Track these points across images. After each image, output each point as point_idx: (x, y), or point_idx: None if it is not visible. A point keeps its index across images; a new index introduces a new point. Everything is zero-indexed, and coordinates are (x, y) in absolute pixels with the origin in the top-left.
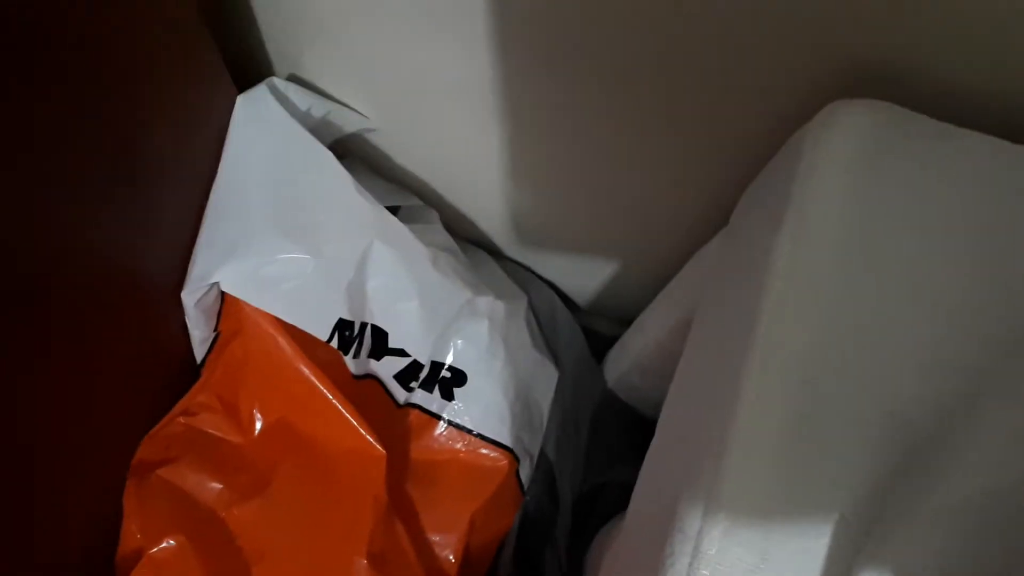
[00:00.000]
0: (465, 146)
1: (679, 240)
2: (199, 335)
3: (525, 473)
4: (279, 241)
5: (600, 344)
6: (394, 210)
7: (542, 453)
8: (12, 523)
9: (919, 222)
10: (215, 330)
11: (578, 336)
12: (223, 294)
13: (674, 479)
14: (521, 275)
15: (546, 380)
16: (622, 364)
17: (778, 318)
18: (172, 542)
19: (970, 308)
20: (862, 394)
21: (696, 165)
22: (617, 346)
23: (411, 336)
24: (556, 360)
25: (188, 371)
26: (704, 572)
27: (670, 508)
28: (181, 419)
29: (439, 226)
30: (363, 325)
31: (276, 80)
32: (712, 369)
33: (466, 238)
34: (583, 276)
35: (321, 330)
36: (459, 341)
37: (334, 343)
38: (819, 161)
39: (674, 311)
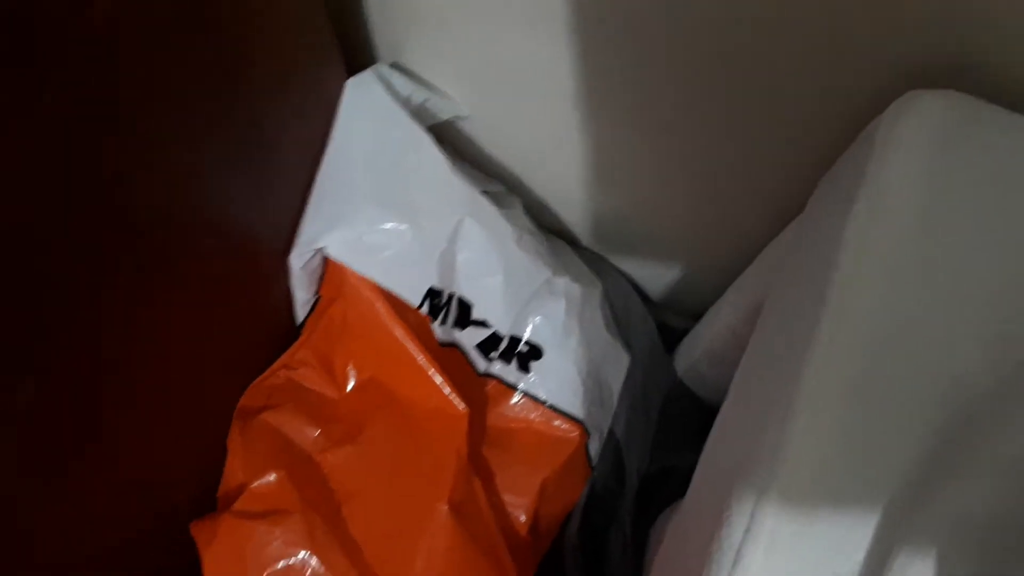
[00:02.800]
0: (551, 138)
1: (755, 236)
2: (302, 296)
3: (594, 448)
4: (382, 213)
5: (671, 337)
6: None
7: (611, 432)
8: (132, 462)
9: (990, 207)
10: (316, 293)
11: (650, 325)
12: (325, 261)
13: (735, 452)
14: (598, 264)
15: (617, 363)
16: (693, 353)
17: (848, 290)
18: (272, 477)
19: None
20: (926, 363)
21: (775, 159)
22: (689, 336)
23: (494, 309)
24: (628, 346)
25: (289, 330)
26: (761, 537)
27: (730, 477)
28: (282, 372)
29: (521, 212)
30: (450, 295)
31: (381, 67)
32: (781, 342)
33: (547, 227)
34: (658, 269)
35: (414, 296)
36: (537, 318)
37: (424, 309)
38: (893, 144)
39: (748, 296)
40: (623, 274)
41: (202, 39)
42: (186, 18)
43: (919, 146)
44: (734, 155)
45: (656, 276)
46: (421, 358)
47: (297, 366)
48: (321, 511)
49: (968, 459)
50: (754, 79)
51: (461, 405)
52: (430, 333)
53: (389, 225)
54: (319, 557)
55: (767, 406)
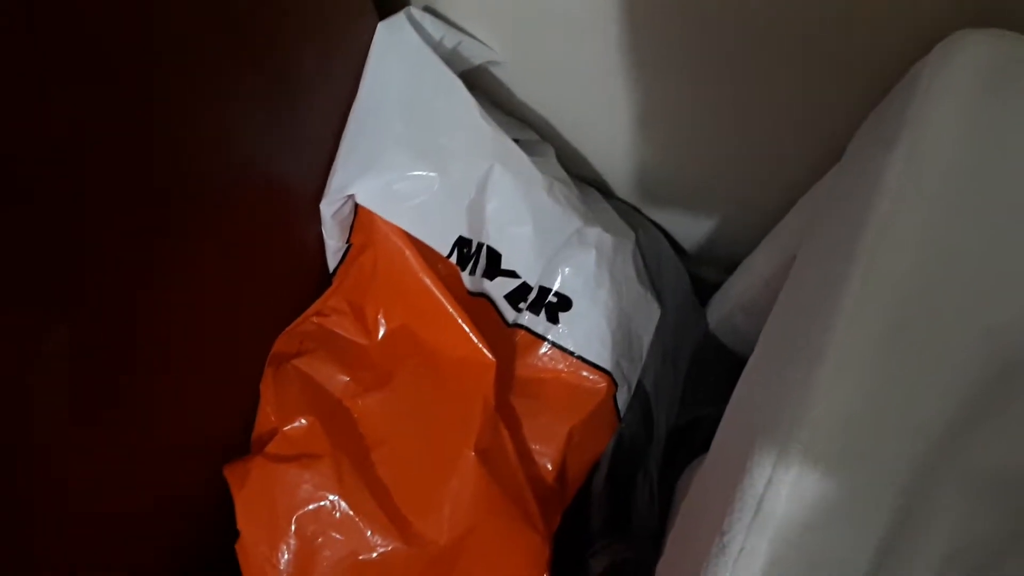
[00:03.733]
0: (587, 86)
1: (792, 185)
2: (333, 244)
3: (623, 399)
4: (411, 159)
5: (704, 290)
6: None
7: (640, 384)
8: (168, 409)
9: None
10: (347, 242)
11: (683, 277)
12: (357, 208)
13: (762, 403)
14: (631, 215)
15: (648, 315)
16: (726, 305)
17: (883, 234)
18: (304, 421)
19: None
20: (961, 310)
21: (814, 102)
22: (722, 289)
23: (523, 259)
24: (659, 298)
25: (321, 278)
26: (782, 489)
27: (755, 428)
28: (314, 319)
29: (554, 161)
30: (479, 245)
31: (413, 10)
32: (813, 292)
33: (580, 176)
34: (692, 222)
35: (443, 245)
36: (567, 268)
37: (453, 258)
38: (937, 87)
39: (783, 246)
40: (657, 226)
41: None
42: None
43: (963, 89)
44: (772, 99)
45: (691, 229)
46: (450, 307)
47: (329, 313)
48: (350, 455)
49: (1000, 413)
50: (792, 16)
51: (489, 355)
52: (459, 282)
53: (418, 172)
54: (347, 501)
55: (795, 357)
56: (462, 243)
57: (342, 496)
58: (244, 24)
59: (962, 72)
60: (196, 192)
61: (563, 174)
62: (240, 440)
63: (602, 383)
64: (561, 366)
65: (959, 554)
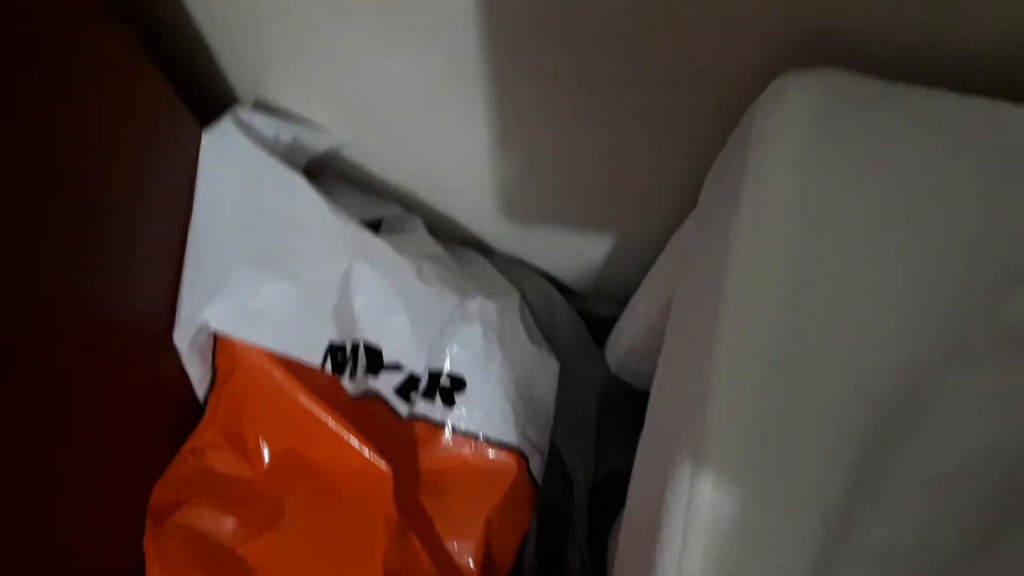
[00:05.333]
0: (440, 147)
1: (661, 218)
2: (197, 374)
3: (536, 468)
4: (260, 273)
5: (601, 327)
6: (376, 222)
7: (552, 445)
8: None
9: (874, 186)
10: (213, 367)
11: (576, 323)
12: (215, 332)
13: (661, 469)
14: (513, 268)
15: (547, 372)
16: (620, 349)
17: (742, 302)
18: None
19: (931, 271)
20: (833, 370)
21: (666, 144)
22: (613, 333)
23: (404, 349)
24: (555, 350)
25: (192, 410)
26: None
27: (660, 492)
28: (190, 459)
29: (423, 232)
30: (355, 345)
31: (240, 110)
32: (688, 353)
33: (454, 238)
34: (575, 261)
35: (314, 355)
36: (454, 346)
37: (327, 368)
38: (769, 136)
39: (660, 292)
40: (542, 273)
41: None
42: None
43: (794, 135)
44: (628, 143)
45: (576, 269)
46: (332, 423)
47: (205, 449)
48: None
49: (886, 481)
50: (637, 67)
51: (383, 464)
52: (340, 390)
53: (271, 286)
54: None
55: (679, 423)
56: (334, 350)
57: None
58: (51, 165)
59: (791, 116)
60: (38, 345)
61: (433, 247)
62: None
63: (511, 461)
64: (466, 451)
65: None
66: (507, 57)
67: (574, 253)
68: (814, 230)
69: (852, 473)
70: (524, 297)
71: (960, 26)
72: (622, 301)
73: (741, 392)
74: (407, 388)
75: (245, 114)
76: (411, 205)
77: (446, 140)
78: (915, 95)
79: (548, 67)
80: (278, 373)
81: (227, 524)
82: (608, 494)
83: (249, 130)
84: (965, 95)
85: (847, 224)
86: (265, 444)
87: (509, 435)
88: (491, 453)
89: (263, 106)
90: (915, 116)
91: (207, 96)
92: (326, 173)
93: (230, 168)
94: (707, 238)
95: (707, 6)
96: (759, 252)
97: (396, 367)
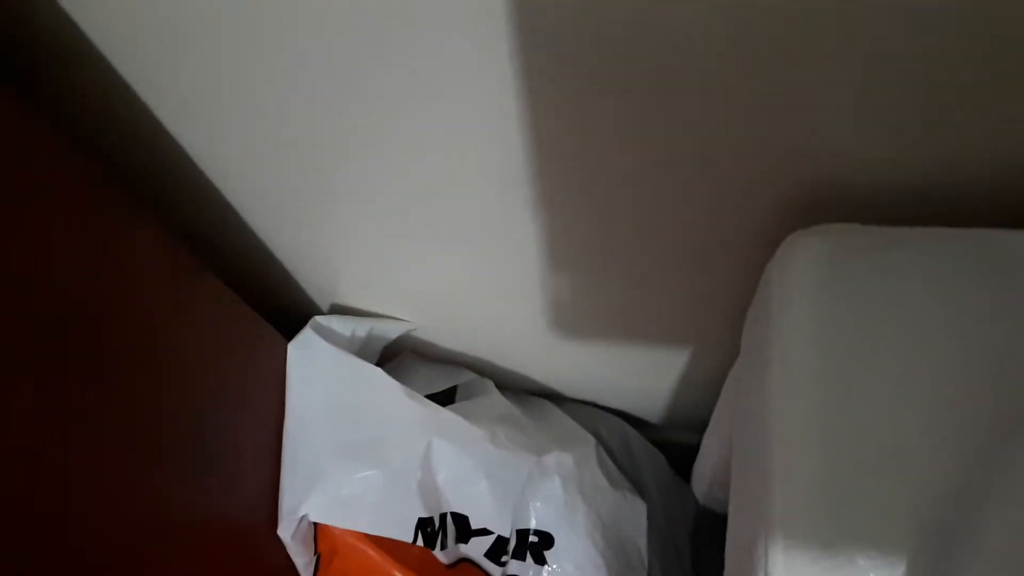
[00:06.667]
0: (504, 317)
1: (722, 343)
2: (302, 561)
3: None
4: (351, 465)
5: (683, 454)
6: (452, 390)
7: None
8: None
9: (891, 326)
10: (315, 553)
11: (658, 458)
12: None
13: None
14: (587, 412)
15: (635, 515)
16: (704, 481)
17: (785, 452)
18: None
19: (956, 394)
20: (886, 510)
21: (711, 282)
22: (696, 463)
23: (489, 514)
24: (641, 490)
25: None
26: None
27: None
28: None
29: (496, 394)
30: (443, 516)
31: (319, 318)
32: (748, 492)
33: (528, 391)
34: (647, 395)
35: (405, 533)
36: (537, 504)
37: (419, 542)
38: (786, 296)
39: (725, 429)
40: (617, 412)
41: (114, 373)
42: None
43: (809, 291)
44: (681, 285)
45: (649, 403)
46: None
47: None
48: None
49: None
50: (660, 225)
51: None
52: (435, 561)
53: (361, 474)
54: None
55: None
56: (423, 524)
57: None
58: (156, 405)
59: (804, 275)
60: (151, 562)
61: (506, 407)
62: None
63: None
64: None
65: None
66: (558, 218)
67: (643, 388)
68: (840, 375)
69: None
70: (600, 440)
71: (956, 167)
72: (699, 427)
73: (796, 533)
74: (497, 551)
75: (323, 320)
76: (482, 370)
77: (502, 313)
78: (915, 236)
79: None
80: (374, 553)
81: None
82: None
83: (328, 333)
84: (961, 228)
85: (871, 364)
86: None
87: None
88: None
89: (340, 308)
90: (917, 255)
91: (291, 308)
92: (402, 352)
93: (314, 371)
94: (751, 385)
95: (725, 162)
96: (794, 403)
97: (484, 532)
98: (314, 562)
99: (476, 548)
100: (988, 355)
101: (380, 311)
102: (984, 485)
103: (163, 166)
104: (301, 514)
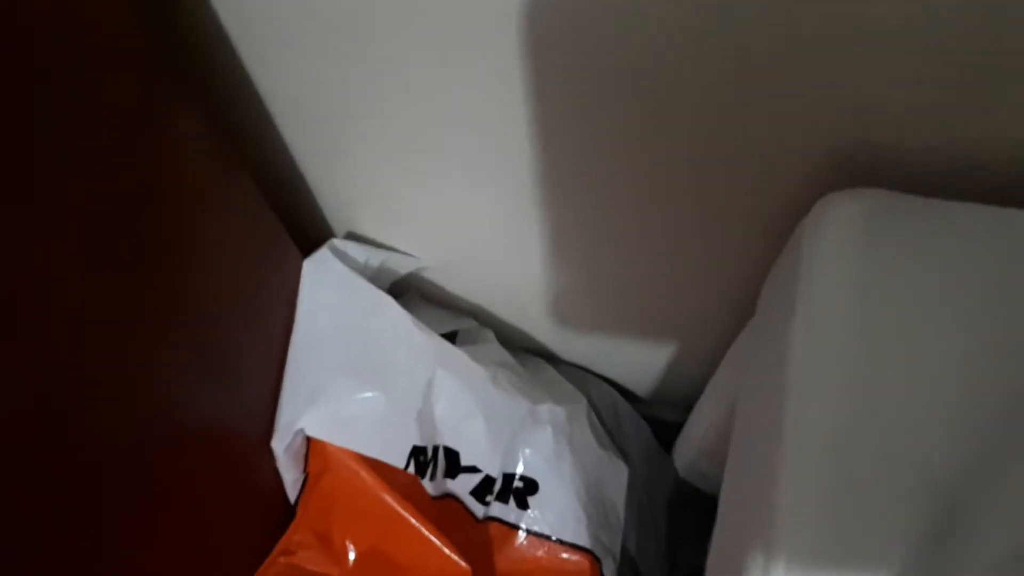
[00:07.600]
0: (510, 269)
1: (718, 326)
2: (290, 478)
3: (609, 571)
4: (354, 385)
5: (666, 431)
6: (452, 335)
7: (624, 549)
8: None
9: (919, 296)
10: (304, 471)
11: (643, 428)
12: (308, 437)
13: (734, 566)
14: (579, 376)
15: (616, 477)
16: (688, 453)
17: (802, 409)
18: None
19: (980, 372)
20: (894, 466)
21: (719, 254)
22: (681, 436)
23: (481, 452)
24: (624, 455)
25: (284, 512)
26: None
27: None
28: (281, 559)
29: (495, 344)
30: (435, 448)
31: (336, 241)
32: (755, 454)
33: (524, 348)
34: (639, 368)
35: (399, 458)
36: (526, 450)
37: (411, 469)
38: (818, 255)
39: (724, 396)
40: (607, 380)
41: (144, 268)
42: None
43: (841, 252)
44: (687, 257)
45: (640, 375)
46: (415, 521)
47: (296, 549)
48: None
49: (949, 563)
50: (691, 189)
51: (463, 562)
52: (422, 491)
53: (363, 395)
54: None
55: (750, 521)
56: (417, 452)
57: None
58: (176, 304)
59: (836, 235)
60: (151, 460)
61: (505, 356)
62: None
63: (584, 563)
64: (540, 553)
65: None
66: (558, 198)
67: (635, 361)
68: (867, 338)
69: (915, 565)
70: (591, 402)
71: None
72: (685, 407)
73: (807, 488)
74: (483, 490)
75: (340, 243)
76: (482, 319)
77: (510, 263)
78: (950, 209)
79: (601, 205)
80: (365, 473)
81: None
82: None
83: (344, 257)
84: (996, 207)
85: (897, 331)
86: (351, 544)
87: (582, 537)
88: (564, 555)
89: (355, 236)
90: (952, 227)
91: (308, 229)
92: (408, 292)
93: (327, 291)
94: (767, 347)
95: (756, 127)
96: (816, 361)
97: (473, 469)
98: (302, 479)
99: (463, 485)
100: (1016, 326)
101: (395, 245)
102: (1004, 464)
103: (210, 62)
104: (297, 427)
